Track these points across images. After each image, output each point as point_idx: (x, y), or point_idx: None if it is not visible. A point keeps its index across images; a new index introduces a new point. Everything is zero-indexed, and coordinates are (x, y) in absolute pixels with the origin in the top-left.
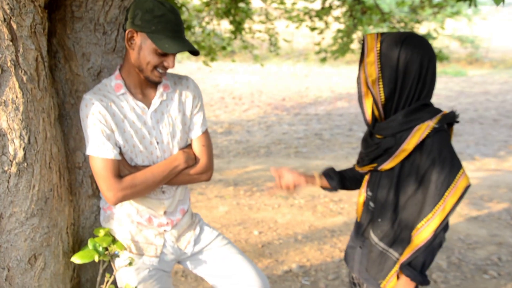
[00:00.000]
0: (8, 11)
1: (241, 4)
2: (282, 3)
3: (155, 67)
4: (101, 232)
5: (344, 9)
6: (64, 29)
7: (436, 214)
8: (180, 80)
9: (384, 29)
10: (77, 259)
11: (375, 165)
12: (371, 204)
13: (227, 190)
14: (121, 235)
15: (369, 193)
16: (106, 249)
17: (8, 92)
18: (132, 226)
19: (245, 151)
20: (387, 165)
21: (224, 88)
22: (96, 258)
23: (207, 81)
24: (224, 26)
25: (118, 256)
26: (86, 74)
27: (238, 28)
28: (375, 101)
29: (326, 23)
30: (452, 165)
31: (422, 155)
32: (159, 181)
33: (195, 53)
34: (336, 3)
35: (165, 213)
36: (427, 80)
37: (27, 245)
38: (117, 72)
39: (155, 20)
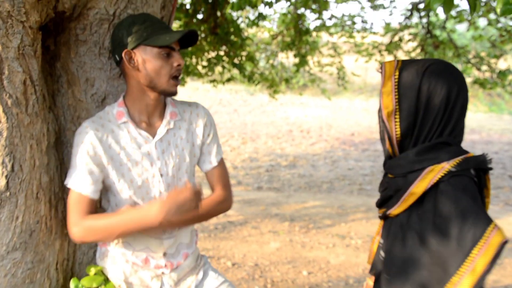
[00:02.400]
0: None
1: (306, 37)
2: (351, 36)
3: (170, 77)
4: (92, 271)
5: (415, 43)
6: (68, 53)
7: (463, 278)
8: (190, 108)
9: (458, 65)
10: None
11: (385, 209)
12: (381, 253)
13: (282, 225)
14: (114, 275)
15: (381, 241)
16: None
17: None
18: (126, 266)
19: (307, 185)
20: (395, 210)
21: (293, 121)
22: None
23: (277, 114)
24: (293, 59)
25: None
26: (90, 100)
27: (301, 61)
28: (389, 137)
29: (396, 57)
30: (477, 217)
31: (435, 202)
32: (120, 234)
33: (194, 37)
34: (407, 37)
35: (164, 254)
36: (453, 115)
37: (7, 281)
38: (120, 99)
39: (142, 28)
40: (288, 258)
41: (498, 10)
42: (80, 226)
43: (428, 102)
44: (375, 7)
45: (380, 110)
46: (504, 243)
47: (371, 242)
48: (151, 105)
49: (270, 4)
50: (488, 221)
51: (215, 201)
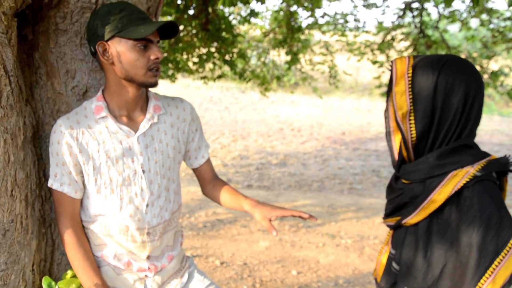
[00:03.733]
0: None
1: (298, 35)
2: (343, 35)
3: (147, 70)
4: (69, 274)
5: (408, 42)
6: (47, 43)
7: None
8: (174, 102)
9: None
10: None
11: (398, 218)
12: (394, 265)
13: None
14: None
15: (392, 251)
16: None
17: None
18: (108, 269)
19: (297, 184)
20: (413, 218)
21: (284, 119)
22: None
23: (268, 112)
24: (285, 57)
25: None
26: (70, 93)
27: (293, 58)
28: (404, 139)
29: (388, 56)
30: (501, 226)
31: (458, 210)
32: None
33: (175, 28)
34: (400, 36)
35: (148, 257)
36: (472, 114)
37: None
38: (99, 93)
39: (117, 18)
40: (277, 258)
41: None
42: (63, 233)
43: (445, 101)
44: (368, 6)
45: (386, 110)
46: None
47: (379, 253)
48: (131, 99)
49: (262, 1)
50: None
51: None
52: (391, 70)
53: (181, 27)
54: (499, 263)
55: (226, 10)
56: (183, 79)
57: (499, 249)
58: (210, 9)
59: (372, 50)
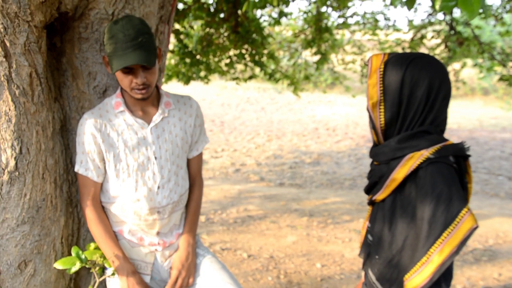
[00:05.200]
0: (2, 30)
1: (326, 35)
2: (374, 34)
3: (131, 90)
4: (92, 246)
5: (439, 40)
6: (72, 49)
7: (431, 258)
8: (183, 99)
9: (482, 61)
10: (58, 265)
11: (371, 195)
12: (369, 237)
13: (301, 220)
14: None
15: (369, 225)
16: (94, 261)
17: (1, 104)
18: (124, 242)
19: (329, 182)
20: (380, 195)
21: (320, 119)
22: (78, 266)
23: (304, 112)
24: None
25: (102, 269)
26: (92, 92)
27: (321, 58)
28: (373, 126)
29: None
30: (450, 202)
31: (415, 187)
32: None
33: (149, 62)
34: (430, 34)
35: (158, 233)
36: (435, 106)
37: (17, 251)
38: (118, 91)
39: (109, 42)
40: (304, 251)
41: (437, 7)
42: (86, 211)
43: (410, 93)
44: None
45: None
46: (474, 228)
47: (362, 228)
48: (140, 100)
49: (287, 3)
50: (461, 206)
51: (200, 190)
52: (368, 65)
53: (212, 30)
54: (447, 235)
55: (258, 12)
56: (220, 81)
57: (447, 223)
58: (239, 12)
59: (403, 48)
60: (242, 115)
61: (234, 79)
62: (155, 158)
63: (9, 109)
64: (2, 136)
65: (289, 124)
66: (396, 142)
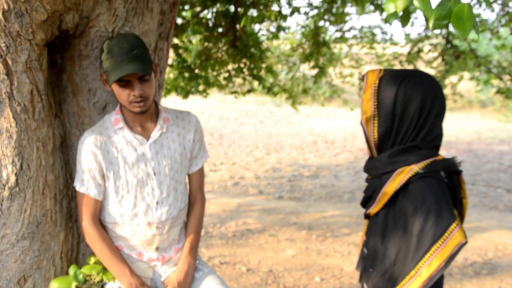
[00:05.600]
0: (4, 48)
1: (323, 49)
2: (372, 48)
3: (129, 103)
4: (92, 260)
5: (436, 53)
6: (73, 66)
7: (419, 272)
8: (182, 115)
9: (479, 74)
10: (54, 283)
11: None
12: (365, 250)
13: (300, 233)
14: None
15: (365, 238)
16: (91, 277)
17: (2, 121)
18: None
19: (328, 195)
20: (373, 209)
21: (318, 132)
22: (73, 286)
23: (302, 125)
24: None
25: (102, 286)
26: (92, 108)
27: (319, 72)
28: (367, 140)
29: (416, 67)
30: (440, 217)
31: (406, 202)
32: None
33: (145, 71)
34: (427, 47)
35: (157, 249)
36: (428, 121)
37: (17, 266)
38: (117, 108)
39: (105, 58)
40: (303, 265)
41: (430, 25)
42: (86, 230)
43: (403, 109)
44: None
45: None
46: (463, 244)
47: (360, 241)
48: (139, 115)
49: (284, 17)
50: (450, 221)
51: (202, 208)
52: (363, 80)
53: (210, 44)
54: (436, 249)
55: (256, 27)
56: (219, 95)
57: (436, 237)
58: (238, 27)
59: (400, 62)
60: (240, 128)
61: (232, 92)
62: (154, 173)
63: (10, 126)
64: (3, 152)
65: (288, 137)
66: (387, 157)
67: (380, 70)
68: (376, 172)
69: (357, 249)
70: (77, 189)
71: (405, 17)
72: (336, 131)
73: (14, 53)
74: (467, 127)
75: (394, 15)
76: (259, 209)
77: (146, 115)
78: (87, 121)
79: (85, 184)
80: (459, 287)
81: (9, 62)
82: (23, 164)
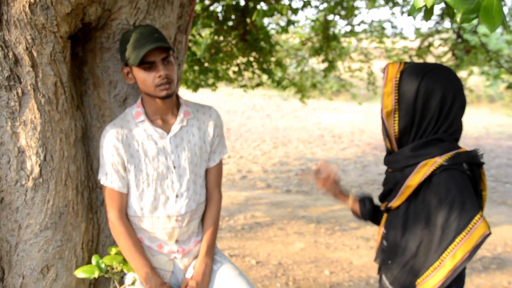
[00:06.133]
0: (30, 41)
1: (333, 43)
2: (381, 42)
3: (155, 86)
4: (113, 251)
5: (446, 48)
6: (94, 59)
7: (443, 263)
8: (203, 109)
9: (492, 69)
10: (79, 272)
11: (387, 203)
12: (384, 242)
13: (308, 227)
14: None
15: (384, 231)
16: (113, 267)
17: (27, 113)
18: (144, 250)
19: None
20: (395, 202)
21: (325, 126)
22: (96, 275)
23: (310, 119)
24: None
25: (122, 275)
26: (112, 101)
27: (329, 66)
28: (387, 134)
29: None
30: (463, 208)
31: (429, 194)
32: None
33: (167, 45)
34: (438, 42)
35: (177, 241)
36: (450, 116)
37: (40, 255)
38: (139, 101)
39: (128, 46)
40: (312, 258)
41: (458, 19)
42: (113, 224)
43: (424, 104)
44: (405, 12)
45: (382, 109)
46: (487, 235)
47: (377, 234)
48: (160, 107)
49: (295, 11)
50: (474, 213)
51: (218, 204)
52: (384, 74)
53: (220, 38)
54: (460, 240)
55: (265, 20)
56: (226, 88)
57: (460, 229)
58: (248, 21)
59: (410, 56)
60: (248, 122)
61: (241, 86)
62: (174, 167)
63: (35, 117)
64: (27, 143)
65: (295, 131)
66: (410, 150)
67: (400, 63)
68: (399, 165)
69: (366, 243)
70: (101, 182)
71: (429, 11)
72: (343, 125)
73: (39, 45)
74: (475, 122)
75: (419, 9)
76: (267, 202)
77: (167, 107)
78: (108, 113)
79: (109, 177)
80: (468, 282)
81: (35, 54)
82: (47, 155)
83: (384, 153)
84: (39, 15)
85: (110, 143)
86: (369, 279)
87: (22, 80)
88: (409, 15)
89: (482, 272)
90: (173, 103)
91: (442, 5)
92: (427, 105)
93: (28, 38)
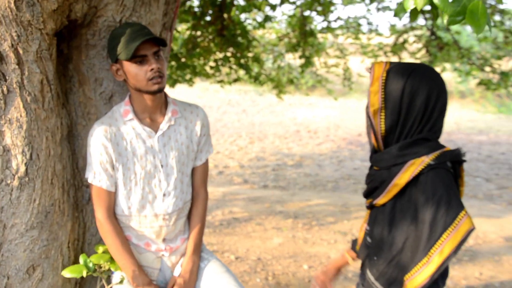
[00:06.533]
0: (15, 38)
1: (311, 39)
2: (357, 38)
3: (147, 80)
4: (100, 249)
5: (420, 45)
6: (79, 56)
7: (431, 259)
8: (190, 108)
9: (463, 66)
10: (66, 273)
11: (372, 200)
12: (368, 239)
13: (286, 222)
14: None
15: (367, 228)
16: (100, 266)
17: (13, 111)
18: (132, 248)
19: (312, 184)
20: (381, 200)
21: (301, 121)
22: (84, 274)
23: (286, 114)
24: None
25: (109, 274)
26: (98, 98)
27: (306, 62)
28: (374, 132)
29: (400, 59)
30: (449, 206)
31: (416, 192)
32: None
33: (161, 42)
34: (412, 38)
35: (164, 240)
36: (434, 115)
37: (26, 255)
38: (127, 99)
39: (117, 42)
40: (290, 253)
41: (445, 21)
42: (101, 223)
43: (410, 102)
44: (381, 9)
45: (368, 107)
46: (471, 230)
47: (359, 230)
48: (149, 104)
49: (274, 7)
50: (459, 209)
51: (204, 204)
52: (370, 73)
53: (198, 33)
54: (447, 236)
55: (242, 16)
56: (202, 83)
57: (447, 225)
58: (225, 16)
59: (385, 53)
60: (223, 117)
61: (219, 82)
62: (162, 166)
63: (21, 116)
64: (13, 142)
65: (271, 126)
66: (398, 149)
67: (386, 63)
68: (386, 164)
69: (343, 238)
70: (89, 181)
71: (415, 12)
72: (319, 121)
73: (25, 42)
74: (447, 117)
75: (404, 10)
76: (244, 198)
77: (156, 105)
78: (94, 111)
79: (97, 176)
80: None
81: (20, 51)
82: (33, 154)
83: (359, 149)
84: (25, 12)
85: (98, 141)
86: (347, 273)
87: (7, 77)
88: (395, 15)
89: (455, 264)
90: (162, 101)
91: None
92: (413, 103)
93: (13, 35)
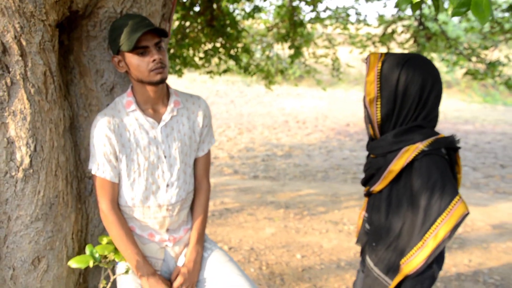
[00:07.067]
0: (18, 29)
1: (300, 29)
2: (345, 28)
3: (149, 71)
4: (104, 240)
5: (408, 35)
6: (80, 47)
7: (426, 243)
8: (192, 99)
9: (450, 56)
10: (73, 263)
11: (369, 187)
12: (367, 226)
13: (277, 212)
14: None
15: (366, 215)
16: (106, 256)
17: (16, 103)
18: (136, 239)
19: (302, 174)
20: (377, 186)
21: (289, 112)
22: (91, 264)
23: (274, 104)
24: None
25: (114, 265)
26: (99, 89)
27: (296, 52)
28: (370, 121)
29: (389, 49)
30: (444, 191)
31: (411, 178)
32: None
33: (162, 33)
34: (400, 29)
35: (167, 230)
36: (428, 103)
37: (31, 247)
38: (129, 90)
39: (119, 33)
40: (283, 243)
41: (449, 13)
42: (105, 214)
43: (405, 91)
44: None
45: (364, 97)
46: (466, 215)
47: (358, 218)
48: (152, 95)
49: None
50: (454, 194)
51: (207, 194)
52: (366, 63)
53: (187, 24)
54: (441, 221)
55: (231, 6)
56: (190, 74)
57: (441, 210)
58: (215, 6)
59: (374, 43)
60: (212, 108)
61: (208, 72)
62: (165, 156)
63: (24, 107)
64: (17, 134)
65: (259, 117)
66: (393, 136)
67: (382, 53)
68: (382, 151)
69: (335, 227)
70: (93, 172)
71: (417, 4)
72: (307, 111)
73: (28, 34)
74: None
75: (408, 1)
76: (235, 188)
77: (158, 96)
78: (95, 102)
79: (101, 167)
80: None
81: (23, 43)
82: (37, 146)
83: (347, 139)
84: (28, 3)
85: (102, 132)
86: (340, 262)
87: (10, 69)
88: (396, 6)
89: (445, 252)
90: (164, 92)
91: None
92: (407, 92)
93: (16, 26)
